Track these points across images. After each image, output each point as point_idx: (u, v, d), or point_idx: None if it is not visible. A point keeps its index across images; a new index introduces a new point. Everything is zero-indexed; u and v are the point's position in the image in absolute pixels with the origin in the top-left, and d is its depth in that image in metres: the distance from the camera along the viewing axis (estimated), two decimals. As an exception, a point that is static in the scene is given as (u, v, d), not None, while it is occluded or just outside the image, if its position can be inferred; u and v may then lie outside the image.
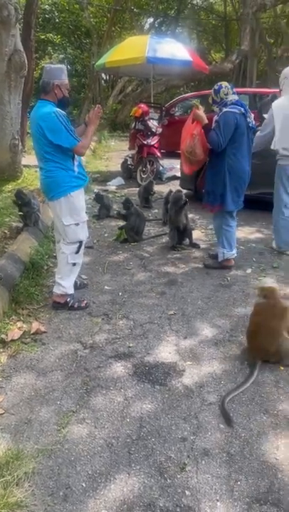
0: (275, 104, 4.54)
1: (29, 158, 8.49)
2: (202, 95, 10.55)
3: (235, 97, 3.99)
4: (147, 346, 3.05)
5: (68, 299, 3.58)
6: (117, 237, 5.28)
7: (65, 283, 3.53)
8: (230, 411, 2.39)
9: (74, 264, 3.56)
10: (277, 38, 24.41)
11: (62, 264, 3.53)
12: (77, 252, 3.52)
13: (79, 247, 3.52)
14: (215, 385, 2.64)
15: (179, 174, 8.03)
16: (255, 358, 2.78)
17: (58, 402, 2.50)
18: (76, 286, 3.78)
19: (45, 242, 4.80)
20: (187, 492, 1.93)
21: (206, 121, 3.96)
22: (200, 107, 4.04)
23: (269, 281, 3.08)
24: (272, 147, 4.57)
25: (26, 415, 2.40)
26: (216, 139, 3.85)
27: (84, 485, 1.97)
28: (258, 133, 4.59)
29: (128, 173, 9.36)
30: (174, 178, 8.92)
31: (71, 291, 3.60)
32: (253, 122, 4.06)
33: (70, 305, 3.58)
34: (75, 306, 3.59)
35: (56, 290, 3.57)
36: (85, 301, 3.67)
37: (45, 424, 2.33)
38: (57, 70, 3.38)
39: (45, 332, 3.23)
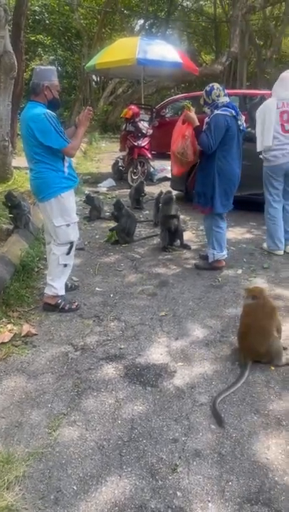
0: (266, 103, 4.58)
1: (19, 160, 8.45)
2: (193, 97, 10.56)
3: (227, 99, 3.99)
4: (138, 348, 3.04)
5: (59, 301, 3.57)
6: (108, 239, 5.28)
7: (56, 284, 3.52)
8: (221, 411, 2.40)
9: (65, 266, 3.55)
10: (267, 39, 24.59)
11: (54, 265, 3.52)
12: (68, 253, 3.52)
13: (70, 248, 3.52)
14: (206, 385, 2.64)
15: (169, 175, 8.05)
16: (246, 359, 2.79)
17: (49, 405, 2.49)
18: (67, 288, 3.76)
19: (35, 244, 4.78)
20: (179, 493, 1.93)
21: (198, 122, 3.96)
22: (191, 108, 4.04)
23: (259, 282, 3.11)
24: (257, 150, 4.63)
25: (17, 418, 2.38)
26: (207, 141, 3.85)
27: (75, 488, 1.97)
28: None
29: (119, 174, 9.36)
30: (165, 179, 8.94)
31: (62, 292, 3.59)
32: (244, 125, 4.08)
33: (60, 307, 3.56)
34: (66, 307, 3.57)
35: (47, 291, 3.56)
36: (76, 303, 3.65)
37: (36, 427, 2.32)
38: (47, 71, 3.38)
39: (35, 334, 3.21)
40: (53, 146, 3.24)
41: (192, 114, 3.99)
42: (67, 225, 3.44)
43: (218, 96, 3.95)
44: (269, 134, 4.50)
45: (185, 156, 4.04)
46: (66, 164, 3.42)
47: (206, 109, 4.05)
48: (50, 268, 3.59)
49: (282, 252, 4.80)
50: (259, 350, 2.76)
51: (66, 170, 3.42)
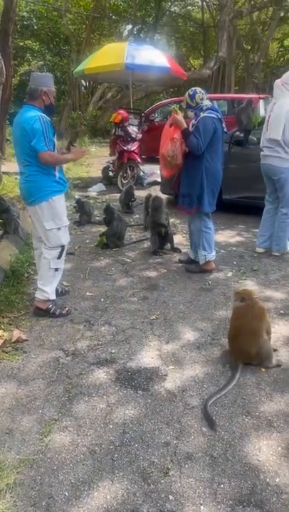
0: (277, 102, 4.52)
1: (8, 166, 8.43)
2: (181, 101, 10.64)
3: (209, 103, 4.07)
4: (129, 352, 3.04)
5: (50, 306, 3.56)
6: (98, 244, 5.28)
7: (47, 288, 3.52)
8: (212, 414, 2.40)
9: (56, 270, 3.55)
10: (254, 44, 24.88)
11: (45, 269, 3.52)
12: (59, 258, 3.53)
13: (61, 252, 3.53)
14: (197, 388, 2.65)
15: (159, 179, 8.07)
16: (237, 361, 2.80)
17: (40, 411, 2.47)
18: (57, 293, 3.75)
19: (25, 250, 4.76)
20: (171, 497, 1.93)
21: (185, 125, 4.01)
22: (179, 112, 4.08)
23: (249, 285, 3.13)
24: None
25: (7, 425, 2.36)
26: (196, 143, 3.90)
27: (67, 494, 1.95)
28: None
29: (108, 179, 9.38)
30: (155, 183, 8.96)
31: (53, 296, 3.58)
32: (225, 128, 4.19)
33: (51, 312, 3.55)
34: (57, 313, 3.56)
35: (38, 296, 3.55)
36: (67, 308, 3.65)
37: (27, 434, 2.30)
38: (45, 77, 3.48)
39: (26, 340, 3.20)
40: (34, 146, 3.23)
41: (180, 117, 4.03)
42: (58, 229, 3.45)
43: (202, 99, 4.03)
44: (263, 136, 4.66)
45: (174, 159, 4.08)
46: (57, 168, 3.46)
47: (190, 113, 4.11)
48: (40, 272, 3.58)
49: (261, 250, 4.96)
50: (249, 351, 2.77)
51: (57, 174, 3.45)
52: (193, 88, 4.10)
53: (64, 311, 3.60)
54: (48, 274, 3.52)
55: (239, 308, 2.88)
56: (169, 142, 4.06)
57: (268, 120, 4.56)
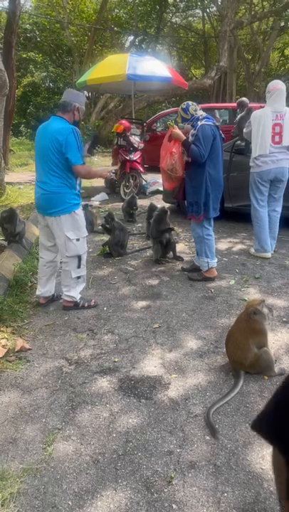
0: (257, 112, 4.72)
1: (12, 176, 8.50)
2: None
3: (203, 113, 4.14)
4: (132, 360, 3.05)
5: (78, 301, 3.83)
6: (100, 253, 5.31)
7: (71, 293, 3.78)
8: (215, 422, 2.40)
9: (78, 278, 3.77)
10: (255, 54, 25.07)
11: (67, 279, 3.73)
12: (78, 267, 3.72)
13: (79, 261, 3.69)
14: (200, 396, 2.65)
15: (161, 188, 8.12)
16: (237, 369, 2.80)
17: (44, 420, 2.48)
18: (53, 298, 3.98)
19: (28, 259, 4.79)
20: (174, 506, 1.92)
21: (184, 137, 4.08)
22: (175, 126, 4.17)
23: (252, 293, 3.10)
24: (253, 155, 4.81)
25: (11, 434, 2.37)
26: (198, 151, 3.96)
27: (70, 503, 1.96)
28: (244, 130, 4.98)
29: (111, 188, 9.44)
30: (158, 192, 9.01)
31: (78, 296, 3.84)
32: (222, 134, 4.25)
33: (80, 306, 3.83)
34: (86, 305, 3.84)
35: (65, 298, 3.81)
36: (93, 301, 3.92)
37: (31, 443, 2.31)
38: (80, 96, 3.65)
39: (29, 349, 3.21)
40: (70, 158, 3.38)
41: (177, 130, 4.12)
42: (78, 240, 3.63)
43: (196, 110, 4.11)
44: (266, 143, 4.67)
45: (174, 172, 4.16)
46: (78, 182, 3.61)
47: (187, 125, 4.17)
48: (64, 281, 3.76)
49: (269, 255, 5.00)
50: (241, 362, 2.76)
51: (78, 187, 3.62)
52: (184, 102, 4.18)
53: (92, 303, 3.88)
54: (71, 282, 3.72)
55: (237, 318, 2.89)
56: (168, 156, 4.14)
57: (281, 127, 4.63)
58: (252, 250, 5.17)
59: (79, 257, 3.67)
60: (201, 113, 4.11)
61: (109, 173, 3.83)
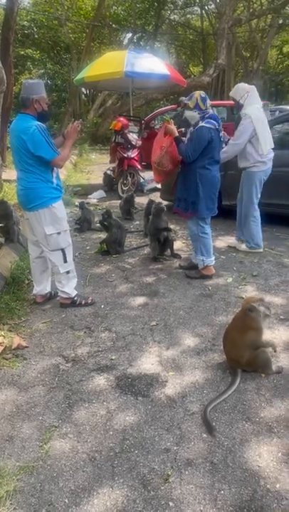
0: (252, 114, 4.70)
1: (10, 173, 8.46)
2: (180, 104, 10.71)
3: (211, 111, 4.13)
4: (130, 358, 3.04)
5: (75, 298, 3.83)
6: (98, 251, 5.30)
7: (66, 289, 3.76)
8: (212, 420, 2.40)
9: (68, 272, 3.73)
10: (253, 51, 25.06)
11: (58, 275, 3.73)
12: (65, 261, 3.67)
13: (64, 255, 3.65)
14: (198, 394, 2.65)
15: (159, 186, 8.10)
16: (234, 367, 2.80)
17: (40, 418, 2.47)
18: (51, 296, 3.98)
19: (25, 257, 4.76)
20: (171, 503, 1.92)
21: (177, 133, 4.10)
22: (171, 121, 4.19)
23: (249, 290, 3.10)
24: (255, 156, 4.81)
25: (7, 432, 2.36)
26: (185, 151, 3.99)
27: (67, 501, 1.95)
28: (231, 141, 4.84)
29: (109, 185, 9.41)
30: (155, 189, 8.99)
31: (74, 293, 3.83)
32: (224, 136, 4.29)
33: (77, 303, 3.82)
34: (83, 303, 3.83)
35: (61, 295, 3.82)
36: (90, 298, 3.92)
37: (27, 441, 2.30)
38: (35, 85, 3.50)
39: (26, 347, 3.20)
40: (44, 157, 3.36)
41: (172, 126, 4.13)
42: (58, 233, 3.59)
43: (209, 106, 4.10)
44: (270, 140, 4.84)
45: (161, 166, 4.20)
46: (54, 175, 3.56)
47: (194, 113, 4.05)
48: (56, 277, 3.78)
49: (262, 250, 5.15)
50: (238, 360, 2.76)
51: (55, 181, 3.56)
52: (203, 92, 4.11)
53: (88, 301, 3.87)
54: (62, 277, 3.72)
55: (234, 316, 2.89)
56: (159, 150, 4.15)
57: None
58: (243, 247, 5.22)
59: (62, 251, 3.63)
60: (210, 111, 4.09)
61: (78, 122, 3.71)
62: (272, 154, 4.90)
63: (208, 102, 4.08)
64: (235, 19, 17.58)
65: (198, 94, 4.07)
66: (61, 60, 25.43)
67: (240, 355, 2.73)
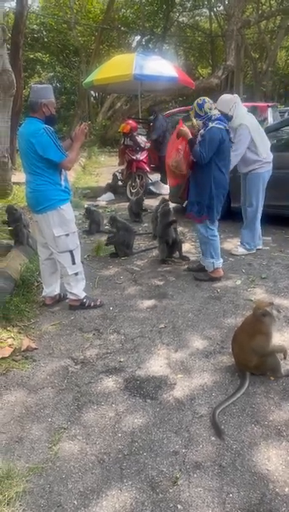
0: (247, 123, 4.75)
1: (19, 176, 8.51)
2: (189, 110, 10.72)
3: (218, 113, 4.13)
4: (138, 360, 3.05)
5: (84, 300, 3.84)
6: (97, 250, 5.31)
7: (74, 291, 3.78)
8: (221, 423, 2.40)
9: (76, 274, 3.74)
10: (262, 53, 24.98)
11: (66, 277, 3.74)
12: (73, 263, 3.69)
13: (72, 257, 3.67)
14: (206, 397, 2.64)
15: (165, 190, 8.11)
16: (242, 370, 2.79)
17: (49, 419, 2.49)
18: (60, 298, 4.00)
19: (35, 259, 4.80)
20: (179, 506, 1.92)
21: (190, 136, 4.09)
22: (184, 124, 4.19)
23: (258, 293, 3.08)
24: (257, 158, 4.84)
25: (17, 433, 2.38)
26: (199, 153, 3.97)
27: (76, 502, 1.96)
28: (231, 152, 4.76)
29: (115, 188, 9.43)
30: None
31: (83, 294, 3.84)
32: (233, 138, 4.30)
33: (86, 305, 3.83)
34: (92, 305, 3.85)
35: (70, 297, 3.84)
36: (99, 300, 3.93)
37: (36, 442, 2.32)
38: (44, 89, 3.56)
39: (36, 349, 3.22)
40: (52, 159, 3.41)
41: (185, 128, 4.12)
42: (67, 235, 3.62)
43: (210, 109, 4.08)
44: (267, 142, 4.93)
45: (178, 169, 4.18)
46: (62, 177, 3.60)
47: (198, 122, 4.14)
48: (65, 279, 3.79)
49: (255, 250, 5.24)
50: (246, 364, 2.75)
51: (63, 183, 3.60)
52: (202, 98, 4.15)
53: (97, 303, 3.88)
54: (70, 279, 3.73)
55: (244, 319, 2.88)
56: (174, 153, 4.14)
57: None
58: (240, 250, 5.20)
59: (71, 253, 3.66)
60: (215, 112, 4.09)
61: (85, 124, 3.74)
62: (272, 156, 4.96)
63: (207, 106, 4.06)
64: (244, 21, 17.53)
65: (195, 102, 4.13)
66: (70, 63, 25.56)
67: (249, 359, 2.72)
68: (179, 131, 4.13)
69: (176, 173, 4.22)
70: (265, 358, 2.71)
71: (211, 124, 4.00)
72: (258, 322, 2.70)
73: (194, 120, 4.16)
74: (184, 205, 6.87)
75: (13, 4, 12.45)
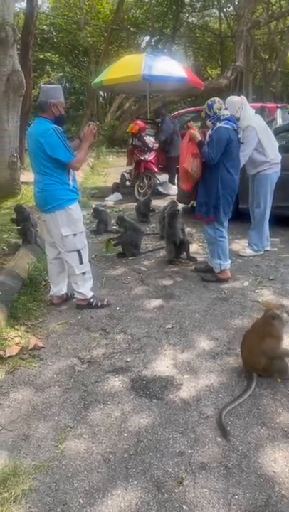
0: (254, 124, 4.75)
1: (28, 175, 8.56)
2: (198, 110, 10.70)
3: (228, 112, 4.14)
4: (145, 360, 3.05)
5: (91, 300, 3.85)
6: (106, 247, 5.30)
7: (82, 290, 3.79)
8: (227, 424, 2.39)
9: (84, 273, 3.75)
10: (272, 53, 24.86)
11: (73, 276, 3.75)
12: (81, 263, 3.70)
13: (80, 257, 3.68)
14: (212, 398, 2.64)
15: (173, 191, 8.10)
16: (249, 371, 2.78)
17: (56, 418, 2.50)
18: (67, 297, 4.01)
19: (43, 258, 4.82)
20: (185, 507, 1.92)
21: (200, 138, 4.12)
22: (194, 127, 4.26)
23: (266, 294, 3.07)
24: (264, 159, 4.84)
25: (24, 431, 2.40)
26: (207, 153, 3.99)
27: (81, 501, 1.97)
28: (244, 153, 4.77)
29: (122, 188, 9.43)
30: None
31: (90, 294, 3.85)
32: (242, 138, 4.29)
33: (93, 305, 3.84)
34: (99, 304, 3.86)
35: (77, 296, 3.85)
36: (106, 300, 3.94)
37: (43, 440, 2.33)
38: (53, 89, 3.58)
39: (43, 347, 3.24)
40: (61, 159, 3.42)
41: (194, 131, 4.16)
42: (74, 235, 3.63)
43: (220, 109, 4.10)
44: (275, 143, 4.93)
45: (196, 173, 4.17)
46: (71, 177, 3.61)
47: (208, 122, 4.18)
48: (72, 278, 3.81)
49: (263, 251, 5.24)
50: (253, 366, 2.74)
51: (71, 183, 3.61)
52: (212, 98, 4.18)
53: (104, 303, 3.89)
54: (78, 279, 3.75)
55: (255, 322, 2.87)
56: (191, 157, 4.13)
57: None
58: (248, 251, 5.18)
59: (78, 252, 3.67)
60: (224, 113, 4.10)
61: (94, 125, 3.75)
62: (280, 157, 4.95)
63: (217, 106, 4.08)
64: (253, 21, 17.47)
65: (206, 103, 4.16)
66: (79, 63, 25.62)
67: (257, 361, 2.71)
68: (191, 134, 4.16)
69: (194, 178, 4.22)
70: (274, 360, 2.70)
71: (218, 124, 4.01)
72: (268, 325, 2.69)
73: (207, 121, 4.19)
74: (190, 206, 6.89)
75: (24, 5, 12.53)
